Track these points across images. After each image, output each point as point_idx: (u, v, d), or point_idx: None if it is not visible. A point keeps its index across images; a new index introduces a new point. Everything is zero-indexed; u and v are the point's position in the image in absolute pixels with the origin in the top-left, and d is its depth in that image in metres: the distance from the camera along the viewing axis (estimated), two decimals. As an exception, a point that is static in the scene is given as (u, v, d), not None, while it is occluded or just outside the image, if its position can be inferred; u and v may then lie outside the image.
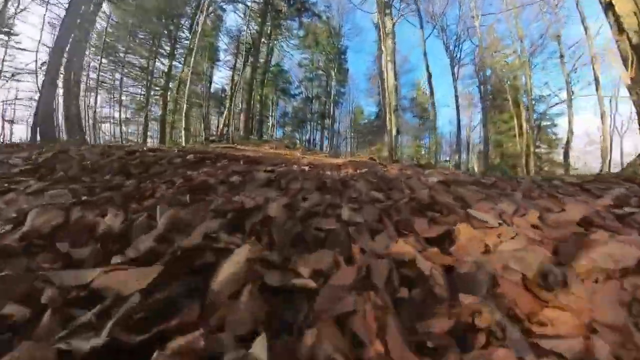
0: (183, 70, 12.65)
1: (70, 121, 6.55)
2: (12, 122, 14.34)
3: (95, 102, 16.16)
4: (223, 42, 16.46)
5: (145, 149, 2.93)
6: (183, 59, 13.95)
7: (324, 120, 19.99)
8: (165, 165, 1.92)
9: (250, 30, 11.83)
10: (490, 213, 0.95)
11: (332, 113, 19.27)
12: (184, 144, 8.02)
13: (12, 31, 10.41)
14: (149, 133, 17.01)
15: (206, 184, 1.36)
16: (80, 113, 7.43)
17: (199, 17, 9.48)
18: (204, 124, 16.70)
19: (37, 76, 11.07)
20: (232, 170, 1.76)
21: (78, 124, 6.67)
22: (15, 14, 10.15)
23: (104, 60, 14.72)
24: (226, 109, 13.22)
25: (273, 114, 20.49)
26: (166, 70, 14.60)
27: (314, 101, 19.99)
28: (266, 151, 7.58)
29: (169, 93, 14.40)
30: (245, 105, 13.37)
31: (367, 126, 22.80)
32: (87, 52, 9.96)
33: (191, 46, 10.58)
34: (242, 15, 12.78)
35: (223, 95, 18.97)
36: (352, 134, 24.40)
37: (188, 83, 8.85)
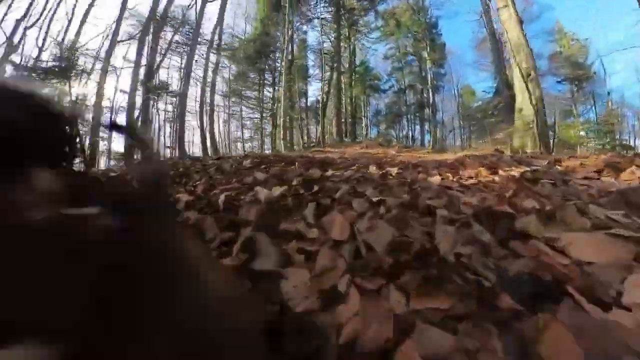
0: (278, 90, 14.77)
1: (212, 143, 9.13)
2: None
3: (228, 128, 21.79)
4: (310, 59, 18.13)
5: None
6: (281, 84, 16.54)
7: (422, 111, 17.76)
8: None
9: (329, 38, 12.41)
10: None
11: (431, 101, 16.83)
12: (282, 150, 9.40)
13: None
14: (265, 147, 21.33)
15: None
16: (214, 137, 10.20)
17: (287, 47, 10.97)
18: (302, 134, 18.93)
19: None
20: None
21: (213, 144, 9.19)
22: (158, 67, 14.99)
23: (232, 99, 19.79)
24: (320, 118, 14.44)
25: (365, 114, 20.40)
26: (271, 96, 17.73)
27: (407, 92, 18.26)
28: (354, 152, 7.54)
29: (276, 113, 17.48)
30: (335, 110, 14.10)
31: (482, 109, 18.02)
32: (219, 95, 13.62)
33: (282, 70, 12.28)
34: (319, 28, 13.63)
35: (317, 106, 20.87)
36: (462, 122, 19.97)
37: (282, 101, 10.29)
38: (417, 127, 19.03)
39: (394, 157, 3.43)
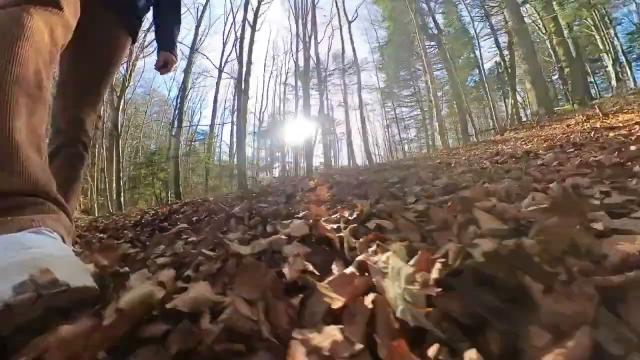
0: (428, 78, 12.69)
1: (366, 150, 9.47)
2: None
3: (388, 131, 22.50)
4: (465, 15, 13.96)
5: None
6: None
7: None
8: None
9: None
10: None
11: None
12: (440, 144, 7.72)
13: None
14: (436, 143, 19.34)
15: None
16: (368, 147, 10.49)
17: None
18: (493, 114, 14.67)
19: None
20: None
21: (367, 152, 9.43)
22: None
23: (388, 104, 20.36)
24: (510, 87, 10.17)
25: (609, 48, 11.38)
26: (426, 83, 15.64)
27: None
28: (559, 134, 5.01)
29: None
30: (526, 66, 9.31)
31: None
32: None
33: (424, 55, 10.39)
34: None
35: (500, 70, 14.61)
36: None
37: (429, 84, 8.61)
38: None
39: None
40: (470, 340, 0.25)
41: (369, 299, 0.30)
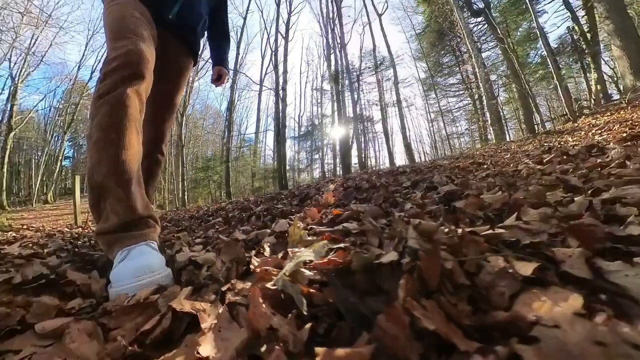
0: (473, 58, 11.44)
1: (408, 152, 9.17)
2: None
3: (432, 126, 20.79)
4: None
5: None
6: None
7: None
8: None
9: None
10: None
11: None
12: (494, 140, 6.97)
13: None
14: (489, 136, 17.35)
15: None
16: (410, 146, 10.09)
17: None
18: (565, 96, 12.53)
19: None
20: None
21: (408, 150, 9.12)
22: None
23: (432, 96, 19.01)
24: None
25: None
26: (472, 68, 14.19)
27: None
28: None
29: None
30: (624, 27, 6.66)
31: None
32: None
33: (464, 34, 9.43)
34: None
35: (578, 40, 10.98)
36: None
37: (477, 67, 7.86)
38: None
39: None
40: (328, 319, 0.32)
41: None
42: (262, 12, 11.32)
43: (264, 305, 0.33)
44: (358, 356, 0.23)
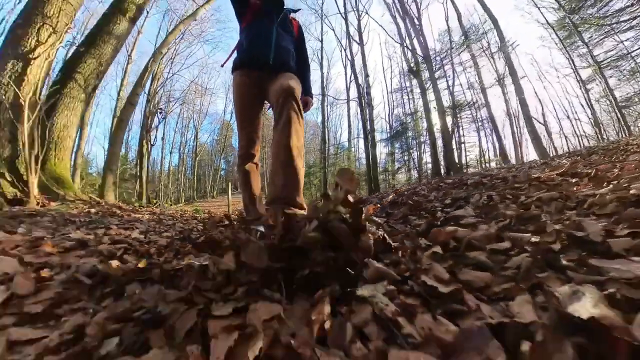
0: None
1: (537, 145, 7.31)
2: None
3: (587, 93, 14.57)
4: None
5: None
6: None
7: None
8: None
9: None
10: None
11: None
12: None
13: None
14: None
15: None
16: (539, 138, 7.86)
17: None
18: None
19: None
20: None
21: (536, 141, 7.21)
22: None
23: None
24: None
25: None
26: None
27: None
28: None
29: None
30: None
31: None
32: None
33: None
34: None
35: None
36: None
37: None
38: None
39: None
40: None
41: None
42: (334, 30, 12.15)
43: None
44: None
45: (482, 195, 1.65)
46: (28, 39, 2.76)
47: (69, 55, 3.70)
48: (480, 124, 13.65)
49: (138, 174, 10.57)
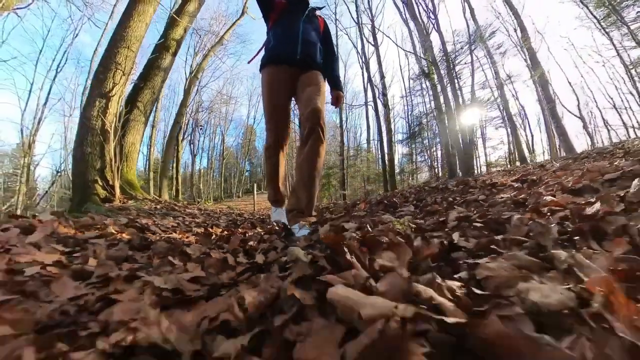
0: None
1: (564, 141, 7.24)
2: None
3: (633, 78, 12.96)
4: None
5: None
6: None
7: None
8: None
9: None
10: None
11: None
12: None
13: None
14: None
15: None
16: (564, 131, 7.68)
17: None
18: None
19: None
20: None
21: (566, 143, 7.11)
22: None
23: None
24: None
25: None
26: None
27: None
28: None
29: None
30: None
31: None
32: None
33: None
34: None
35: None
36: None
37: None
38: None
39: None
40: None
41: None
42: (348, 35, 12.44)
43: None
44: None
45: (433, 197, 2.16)
46: (107, 82, 3.72)
47: (130, 88, 4.68)
48: (502, 120, 13.23)
49: (175, 176, 12.09)
